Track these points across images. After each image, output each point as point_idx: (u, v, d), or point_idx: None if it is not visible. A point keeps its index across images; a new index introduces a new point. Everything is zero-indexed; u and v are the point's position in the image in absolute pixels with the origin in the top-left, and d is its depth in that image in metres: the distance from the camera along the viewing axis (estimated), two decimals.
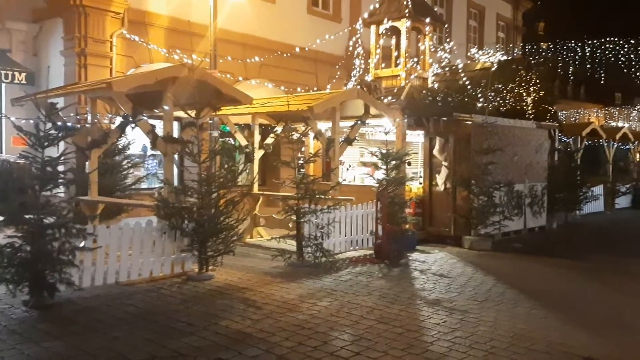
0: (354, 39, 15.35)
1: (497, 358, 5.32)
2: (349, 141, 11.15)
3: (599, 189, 18.44)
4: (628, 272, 9.71)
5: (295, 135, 10.20)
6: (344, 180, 13.08)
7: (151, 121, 8.95)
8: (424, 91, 13.00)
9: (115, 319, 6.19)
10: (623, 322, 6.66)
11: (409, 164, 12.10)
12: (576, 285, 8.72)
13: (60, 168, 7.02)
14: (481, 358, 5.31)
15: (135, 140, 11.66)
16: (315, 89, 15.70)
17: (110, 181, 10.05)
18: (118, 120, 9.85)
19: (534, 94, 14.82)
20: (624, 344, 5.87)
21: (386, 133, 11.33)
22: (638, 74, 30.92)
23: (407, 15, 13.20)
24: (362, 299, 7.26)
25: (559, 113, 35.48)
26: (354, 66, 15.03)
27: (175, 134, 9.07)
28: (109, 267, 7.60)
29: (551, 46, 28.56)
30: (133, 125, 8.67)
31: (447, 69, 15.15)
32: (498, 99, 13.81)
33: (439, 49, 16.41)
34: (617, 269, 9.92)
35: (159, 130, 8.96)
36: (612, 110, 51.67)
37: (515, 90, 14.32)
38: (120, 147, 10.54)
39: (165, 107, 8.41)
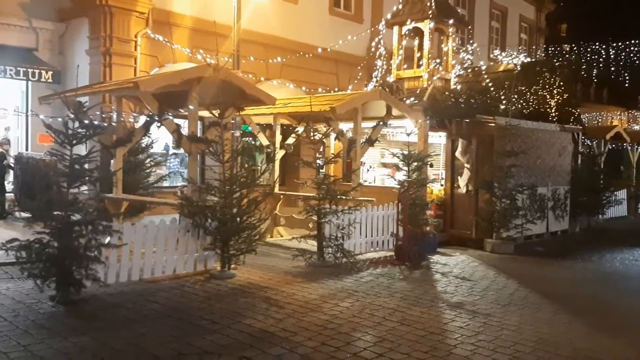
0: (376, 39, 15.34)
1: None
2: (370, 142, 11.14)
3: (622, 193, 18.19)
4: None
5: (317, 136, 10.23)
6: (365, 181, 13.07)
7: (175, 120, 9.05)
8: (446, 93, 12.94)
9: (140, 315, 6.26)
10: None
11: (431, 165, 12.05)
12: (600, 289, 8.62)
13: (87, 166, 7.13)
14: None
15: (158, 139, 11.80)
16: (336, 89, 15.74)
17: (133, 179, 10.17)
18: (142, 119, 9.97)
19: (558, 97, 14.67)
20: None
21: (408, 134, 11.30)
22: None
23: (430, 16, 13.16)
24: (383, 301, 7.25)
25: (583, 115, 35.07)
26: (375, 67, 15.01)
27: (199, 134, 9.15)
28: (133, 264, 7.69)
29: (574, 48, 28.22)
30: (158, 124, 8.76)
31: (469, 70, 15.07)
32: (521, 101, 13.69)
33: (461, 50, 16.32)
34: None
35: (184, 130, 9.05)
36: (635, 114, 50.89)
37: (539, 93, 14.18)
38: (143, 145, 10.67)
39: (190, 107, 8.48)
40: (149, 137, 10.31)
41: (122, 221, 8.60)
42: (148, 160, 10.90)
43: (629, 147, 20.15)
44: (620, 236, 14.67)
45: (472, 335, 6.02)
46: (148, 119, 9.09)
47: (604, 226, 16.09)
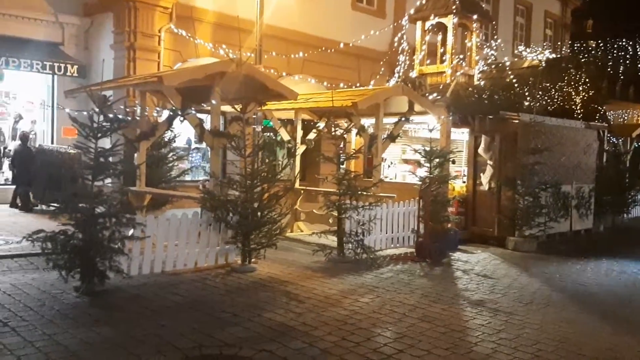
0: (398, 35, 15.24)
1: None
2: (392, 138, 11.10)
3: None
4: None
5: (338, 131, 10.20)
6: (386, 177, 13.02)
7: (198, 115, 9.11)
8: (469, 88, 12.81)
9: (162, 307, 6.33)
10: None
11: (453, 162, 11.94)
12: (624, 290, 8.48)
13: (111, 159, 7.21)
14: None
15: (181, 133, 11.90)
16: (358, 85, 15.68)
17: (156, 173, 10.28)
18: (165, 113, 10.06)
19: (583, 94, 14.44)
20: None
21: (430, 130, 11.21)
22: None
23: (454, 11, 13.01)
24: (404, 297, 7.22)
25: (609, 113, 34.47)
26: (397, 62, 14.92)
27: (221, 128, 9.20)
28: (155, 256, 7.77)
29: (600, 44, 27.67)
30: (181, 118, 8.83)
31: (493, 66, 14.89)
32: (546, 97, 13.49)
33: (485, 46, 16.14)
34: None
35: (206, 124, 9.11)
36: None
37: (564, 90, 13.97)
38: (166, 140, 10.77)
39: (213, 101, 8.53)
40: (171, 131, 10.41)
41: (145, 214, 8.69)
42: (171, 154, 11.01)
43: None
44: None
45: (494, 333, 5.97)
46: (171, 113, 9.17)
47: (628, 225, 15.81)
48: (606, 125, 15.22)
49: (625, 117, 42.25)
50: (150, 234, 7.58)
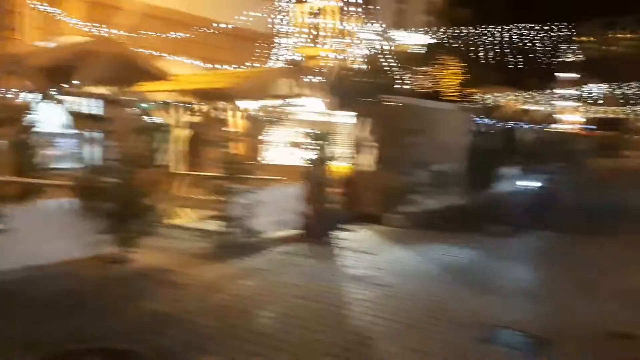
0: (281, 16, 15.18)
1: (419, 329, 5.53)
2: (275, 120, 11.11)
3: (512, 169, 19.30)
4: (543, 246, 10.25)
5: (220, 114, 10.02)
6: (271, 159, 13.01)
7: (68, 98, 8.52)
8: (351, 72, 13.10)
9: (31, 302, 5.90)
10: (534, 291, 7.05)
11: (336, 144, 12.18)
12: (492, 259, 9.13)
13: None
14: (404, 330, 5.50)
15: (51, 117, 11.08)
16: (241, 66, 15.45)
17: (24, 160, 9.49)
18: (30, 95, 9.30)
19: (456, 77, 15.31)
20: (534, 311, 6.20)
21: (313, 113, 11.35)
22: (553, 59, 32.48)
23: None
24: (288, 278, 7.30)
25: (481, 96, 36.93)
26: (279, 44, 14.89)
27: (95, 112, 8.68)
28: (22, 249, 7.20)
29: (476, 31, 29.40)
30: (47, 101, 8.21)
31: (374, 50, 15.34)
32: (422, 80, 14.15)
33: (365, 30, 16.55)
34: (533, 242, 10.46)
35: (76, 108, 8.55)
36: (529, 95, 54.35)
37: (438, 73, 14.72)
38: (32, 124, 9.96)
39: (81, 82, 8.01)
40: (38, 115, 9.64)
41: (11, 205, 8.00)
42: (39, 140, 10.21)
43: (523, 126, 21.45)
44: (510, 208, 15.59)
45: (372, 306, 6.21)
46: (34, 95, 8.49)
47: (496, 200, 17.00)
48: (478, 107, 16.28)
49: (498, 100, 45.50)
50: (16, 225, 7.00)
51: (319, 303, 6.22)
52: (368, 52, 15.34)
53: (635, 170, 34.43)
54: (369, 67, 13.82)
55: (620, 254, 9.32)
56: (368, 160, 12.64)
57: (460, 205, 14.55)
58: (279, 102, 11.18)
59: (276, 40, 14.90)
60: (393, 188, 12.12)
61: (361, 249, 9.40)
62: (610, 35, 31.18)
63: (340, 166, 12.71)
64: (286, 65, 12.84)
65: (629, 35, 30.84)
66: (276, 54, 14.75)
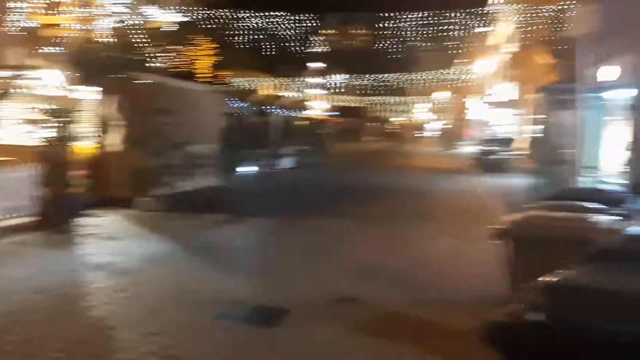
0: None
1: (162, 313, 5.46)
2: (5, 94, 9.80)
3: (265, 151, 20.27)
4: (285, 224, 10.92)
5: None
6: (1, 139, 11.48)
7: None
8: (96, 45, 12.21)
9: None
10: (275, 266, 7.51)
11: (79, 122, 11.27)
12: (242, 238, 9.50)
13: None
14: (147, 316, 5.38)
15: None
16: None
17: None
18: None
19: (211, 59, 15.39)
20: (273, 285, 6.61)
21: (51, 87, 10.30)
22: (302, 48, 34.72)
23: None
24: (17, 271, 6.58)
25: (234, 79, 37.74)
26: (10, 9, 13.11)
27: None
28: None
29: (230, 14, 29.77)
30: None
31: (123, 24, 14.53)
32: (174, 60, 13.88)
33: (115, 3, 15.56)
34: (279, 221, 11.06)
35: None
36: (282, 80, 57.35)
37: (192, 53, 14.61)
38: None
39: None
40: None
41: None
42: None
43: (274, 110, 22.51)
44: (262, 189, 16.43)
45: (114, 293, 5.97)
46: None
47: (250, 181, 17.72)
48: (231, 90, 16.62)
49: (252, 84, 47.02)
50: None
51: (53, 296, 5.74)
52: (117, 26, 14.49)
53: (371, 152, 39.08)
54: (118, 41, 13.05)
55: (348, 229, 10.39)
56: (115, 140, 11.97)
57: (213, 187, 14.75)
58: (10, 73, 9.89)
59: (8, 4, 13.10)
60: (143, 170, 11.70)
61: (106, 235, 8.93)
62: (349, 30, 34.50)
63: (83, 146, 11.83)
64: (22, 33, 11.40)
65: (363, 31, 34.53)
66: (9, 20, 12.96)
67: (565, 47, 19.33)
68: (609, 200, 6.22)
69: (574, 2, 7.97)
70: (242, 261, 7.83)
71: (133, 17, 15.16)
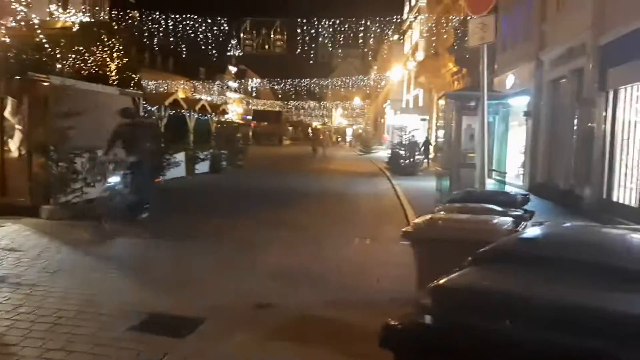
0: None
1: (62, 328, 5.17)
2: None
3: (181, 156, 19.78)
4: (198, 231, 10.68)
5: None
6: None
7: None
8: None
9: None
10: (188, 276, 7.33)
11: None
12: (152, 247, 9.13)
13: None
14: (45, 330, 5.08)
15: None
16: None
17: None
18: None
19: (118, 61, 14.81)
20: (187, 295, 6.47)
21: None
22: (215, 52, 34.38)
23: None
24: None
25: (148, 82, 36.64)
26: None
27: None
28: None
29: (139, 16, 28.89)
30: None
31: (23, 23, 13.68)
32: (79, 61, 13.25)
33: (12, 1, 14.63)
34: (191, 228, 10.80)
35: None
36: (196, 84, 56.39)
37: (99, 55, 14.00)
38: None
39: None
40: None
41: None
42: None
43: (188, 114, 22.03)
44: (178, 195, 16.03)
45: (12, 309, 5.59)
46: None
47: (164, 187, 17.21)
48: (141, 93, 16.04)
49: (166, 87, 45.87)
50: None
51: None
52: (17, 25, 13.64)
53: (291, 156, 39.19)
54: (18, 41, 12.26)
55: (264, 235, 10.34)
56: (17, 146, 11.27)
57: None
58: None
59: None
60: (48, 176, 11.09)
61: (7, 246, 8.37)
62: (265, 34, 34.59)
63: None
64: None
65: (279, 37, 34.72)
66: None
67: (468, 56, 20.38)
68: (511, 201, 6.59)
69: (476, 14, 8.40)
70: (153, 271, 7.55)
71: (35, 16, 14.35)
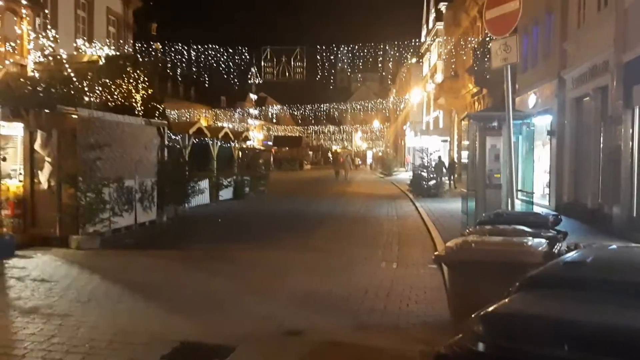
0: None
1: (95, 358, 5.19)
2: None
3: (205, 183, 19.97)
4: (225, 257, 10.72)
5: None
6: None
7: None
8: (22, 79, 11.75)
9: None
10: (217, 302, 7.33)
11: (4, 159, 10.78)
12: (180, 274, 9.17)
13: None
14: None
15: None
16: None
17: None
18: None
19: (143, 92, 15.09)
20: (216, 322, 6.46)
21: None
22: (236, 80, 34.89)
23: None
24: None
25: (172, 112, 37.24)
26: None
27: None
28: None
29: (162, 47, 29.52)
30: None
31: (51, 58, 14.11)
32: (106, 93, 13.55)
33: (41, 36, 15.10)
34: (218, 255, 10.84)
35: None
36: (218, 112, 57.17)
37: (124, 87, 14.30)
38: None
39: None
40: None
41: None
42: None
43: (210, 142, 22.30)
44: (203, 222, 16.13)
45: (45, 340, 5.63)
46: None
47: (189, 214, 17.36)
48: (166, 122, 16.30)
49: (188, 116, 46.58)
50: None
51: None
52: (46, 60, 14.06)
53: (312, 180, 39.28)
54: (47, 75, 12.62)
55: (289, 259, 10.32)
56: (45, 177, 11.49)
57: (154, 220, 14.39)
58: None
59: None
60: (77, 206, 11.27)
61: (39, 277, 8.47)
62: (285, 62, 35.06)
63: (12, 184, 11.32)
64: None
65: (298, 64, 35.16)
66: None
67: (489, 76, 20.32)
68: (543, 222, 6.47)
69: (498, 35, 8.40)
70: (181, 299, 7.57)
71: (62, 50, 14.78)
